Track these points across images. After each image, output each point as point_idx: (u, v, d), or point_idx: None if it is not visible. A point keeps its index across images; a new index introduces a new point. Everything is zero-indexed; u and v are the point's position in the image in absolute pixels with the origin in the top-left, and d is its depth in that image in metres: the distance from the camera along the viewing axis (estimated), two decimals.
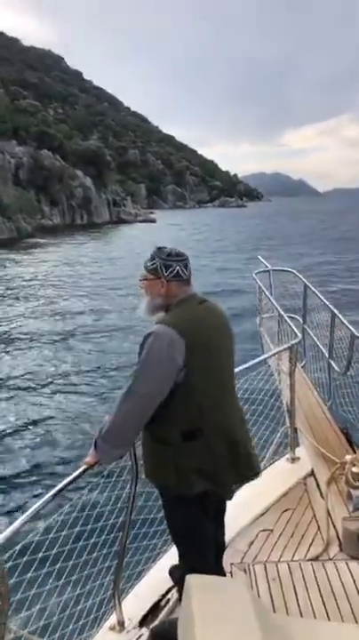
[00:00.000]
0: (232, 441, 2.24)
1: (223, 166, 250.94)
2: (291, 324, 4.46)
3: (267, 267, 6.89)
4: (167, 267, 2.24)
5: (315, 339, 5.52)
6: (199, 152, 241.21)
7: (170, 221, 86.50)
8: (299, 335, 4.19)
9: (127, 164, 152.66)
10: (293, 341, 4.10)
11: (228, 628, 1.52)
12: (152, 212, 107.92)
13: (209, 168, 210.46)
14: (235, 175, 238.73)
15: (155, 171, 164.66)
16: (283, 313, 5.13)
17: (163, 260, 2.24)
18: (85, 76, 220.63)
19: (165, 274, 2.23)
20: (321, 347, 5.32)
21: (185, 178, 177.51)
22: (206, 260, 31.84)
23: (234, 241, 49.44)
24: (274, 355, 4.35)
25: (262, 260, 7.19)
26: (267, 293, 6.11)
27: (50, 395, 11.38)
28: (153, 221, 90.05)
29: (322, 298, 5.38)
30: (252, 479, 2.39)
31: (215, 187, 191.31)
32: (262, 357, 3.96)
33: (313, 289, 5.67)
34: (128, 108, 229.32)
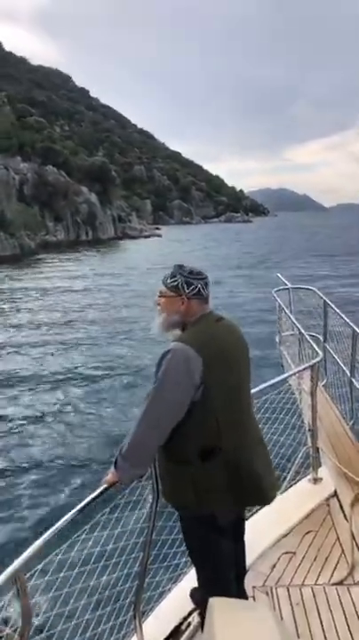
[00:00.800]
0: (249, 460, 2.22)
1: (229, 182, 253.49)
2: (312, 343, 4.43)
3: (286, 284, 6.87)
4: (189, 284, 2.25)
5: (336, 357, 5.47)
6: (205, 168, 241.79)
7: (175, 237, 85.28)
8: (321, 354, 4.15)
9: (133, 179, 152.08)
10: (314, 360, 4.06)
11: None
12: (158, 228, 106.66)
13: (215, 183, 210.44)
14: (241, 190, 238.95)
15: (161, 186, 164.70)
16: (303, 331, 5.10)
17: (184, 278, 2.25)
18: (92, 94, 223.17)
19: (187, 291, 2.24)
20: (342, 365, 5.27)
21: (191, 193, 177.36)
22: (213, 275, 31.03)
23: (240, 256, 49.06)
24: (295, 374, 4.31)
25: (282, 278, 7.18)
26: (286, 311, 6.09)
27: (69, 411, 11.42)
28: (158, 236, 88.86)
29: (342, 315, 5.34)
30: (268, 503, 2.37)
31: (221, 202, 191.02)
32: (283, 376, 3.93)
33: (333, 307, 5.63)
34: (135, 126, 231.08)
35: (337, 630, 2.62)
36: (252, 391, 3.19)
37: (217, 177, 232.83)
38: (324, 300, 5.87)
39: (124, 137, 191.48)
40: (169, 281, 2.28)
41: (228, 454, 2.15)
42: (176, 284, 2.25)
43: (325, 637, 2.59)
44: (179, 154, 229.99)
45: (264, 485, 2.29)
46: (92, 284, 31.49)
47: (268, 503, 2.38)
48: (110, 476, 2.22)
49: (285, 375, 4.02)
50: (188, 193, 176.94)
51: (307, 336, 4.82)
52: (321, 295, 6.06)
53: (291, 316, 5.93)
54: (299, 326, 5.38)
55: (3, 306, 24.84)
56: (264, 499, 2.34)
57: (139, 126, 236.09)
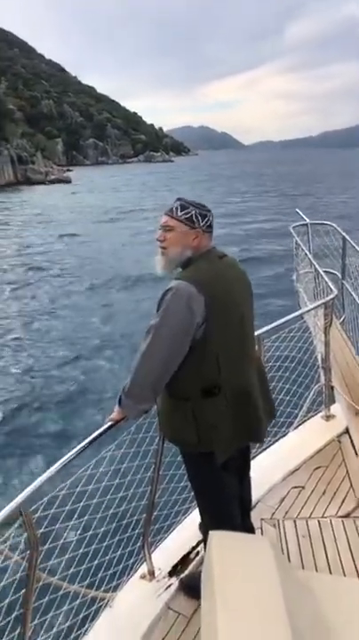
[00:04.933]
0: (248, 398, 2.20)
1: (147, 120, 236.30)
2: (328, 280, 4.30)
3: (304, 220, 6.64)
4: (203, 216, 2.15)
5: (354, 295, 5.33)
6: (121, 104, 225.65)
7: (87, 182, 72.45)
8: (335, 290, 4.04)
9: (40, 116, 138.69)
10: (328, 297, 3.96)
11: (249, 584, 1.51)
12: (69, 170, 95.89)
13: (132, 121, 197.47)
14: (161, 129, 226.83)
15: (74, 124, 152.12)
16: (319, 268, 4.95)
17: (197, 209, 2.14)
18: None
19: (201, 223, 2.14)
20: None
21: (106, 131, 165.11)
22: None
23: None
24: (308, 311, 4.23)
25: (300, 214, 6.93)
26: (304, 248, 5.91)
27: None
28: (67, 181, 75.75)
29: None
30: (258, 441, 2.41)
31: (139, 140, 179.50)
32: (297, 313, 3.84)
33: (352, 243, 5.44)
34: (42, 56, 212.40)
35: (341, 561, 2.68)
36: (266, 329, 3.14)
37: (134, 114, 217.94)
38: (343, 237, 5.66)
39: (30, 68, 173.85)
40: (181, 213, 2.14)
41: (228, 391, 2.13)
42: (190, 215, 2.13)
43: (329, 568, 2.65)
44: (93, 88, 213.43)
45: (262, 424, 2.30)
46: None
47: (260, 441, 2.42)
48: (115, 413, 2.22)
49: (298, 312, 3.93)
50: (104, 131, 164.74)
51: (322, 273, 4.68)
52: (340, 231, 5.84)
53: (309, 253, 5.76)
54: (315, 263, 5.22)
55: None
56: (260, 436, 2.35)
57: (48, 57, 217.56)
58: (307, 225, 6.48)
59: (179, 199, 2.20)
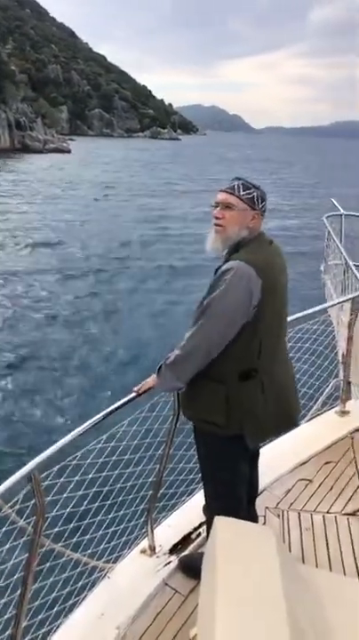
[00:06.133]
0: (282, 388, 2.22)
1: (157, 94, 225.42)
2: (357, 274, 4.22)
3: (339, 210, 6.50)
4: (263, 199, 2.15)
5: None
6: (132, 76, 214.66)
7: (87, 155, 67.27)
8: None
9: (45, 80, 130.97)
10: (357, 293, 3.89)
11: (250, 570, 1.51)
12: (72, 139, 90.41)
13: (142, 94, 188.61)
14: (170, 105, 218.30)
15: (80, 92, 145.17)
16: (350, 261, 4.86)
17: (259, 191, 2.14)
18: None
19: (260, 205, 2.14)
20: None
21: (114, 102, 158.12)
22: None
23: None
24: (334, 305, 4.16)
25: (335, 204, 6.78)
26: (335, 239, 5.80)
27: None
28: (66, 151, 71.49)
29: None
30: (291, 429, 2.42)
31: (147, 115, 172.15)
32: (322, 306, 3.79)
33: None
34: (53, 19, 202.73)
35: (343, 559, 2.67)
36: (289, 319, 3.10)
37: (144, 87, 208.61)
38: None
39: (40, 30, 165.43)
40: (243, 192, 2.12)
41: (264, 376, 2.13)
42: (252, 196, 2.12)
43: (330, 564, 2.64)
44: (103, 57, 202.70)
45: (292, 411, 2.33)
46: None
47: (292, 429, 2.48)
48: (151, 380, 2.25)
49: (324, 305, 3.87)
50: (111, 102, 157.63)
51: (353, 266, 4.59)
52: None
53: (340, 244, 5.65)
54: (346, 255, 5.12)
55: None
56: (289, 425, 2.39)
57: (60, 20, 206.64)
58: (341, 216, 6.35)
59: (237, 178, 2.17)
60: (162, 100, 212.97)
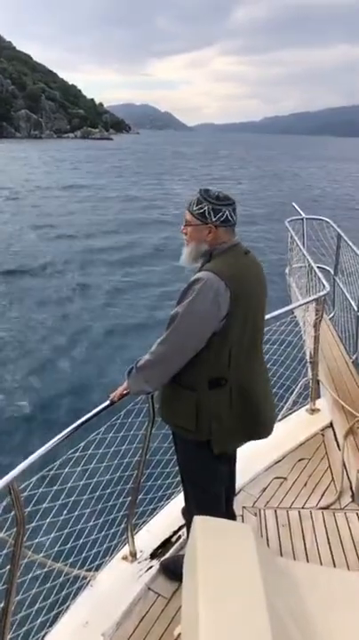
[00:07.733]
0: (251, 397, 2.24)
1: (87, 94, 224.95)
2: (321, 275, 4.34)
3: (300, 215, 6.67)
4: (216, 211, 2.15)
5: (345, 291, 5.39)
6: (60, 75, 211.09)
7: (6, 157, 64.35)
8: (327, 287, 4.08)
9: None
10: (321, 293, 4.01)
11: (230, 568, 1.56)
12: None
13: (70, 93, 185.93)
14: (101, 104, 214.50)
15: (4, 92, 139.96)
16: (312, 263, 4.99)
17: (211, 204, 2.14)
18: None
19: (214, 219, 2.15)
20: (350, 299, 5.20)
21: (41, 103, 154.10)
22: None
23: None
24: (300, 306, 4.27)
25: (296, 208, 6.95)
26: (298, 243, 5.94)
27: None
28: None
29: (355, 248, 5.21)
30: (264, 437, 2.42)
31: (77, 115, 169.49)
32: (288, 307, 3.89)
33: (346, 240, 5.48)
34: None
35: (319, 552, 2.75)
36: None
37: (73, 86, 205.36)
38: (338, 233, 5.70)
39: None
40: (195, 208, 2.17)
41: (234, 386, 2.17)
42: (202, 211, 2.15)
43: (307, 558, 2.72)
44: (28, 56, 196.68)
45: (263, 420, 2.34)
46: None
47: (265, 437, 2.42)
48: (123, 387, 2.28)
49: (290, 307, 3.98)
50: (38, 102, 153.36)
51: (316, 268, 4.72)
52: (335, 227, 5.88)
53: (303, 247, 5.79)
54: (309, 258, 5.26)
55: None
56: (261, 433, 2.39)
57: None
58: (302, 219, 6.51)
59: (200, 190, 2.21)
60: (92, 100, 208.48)
